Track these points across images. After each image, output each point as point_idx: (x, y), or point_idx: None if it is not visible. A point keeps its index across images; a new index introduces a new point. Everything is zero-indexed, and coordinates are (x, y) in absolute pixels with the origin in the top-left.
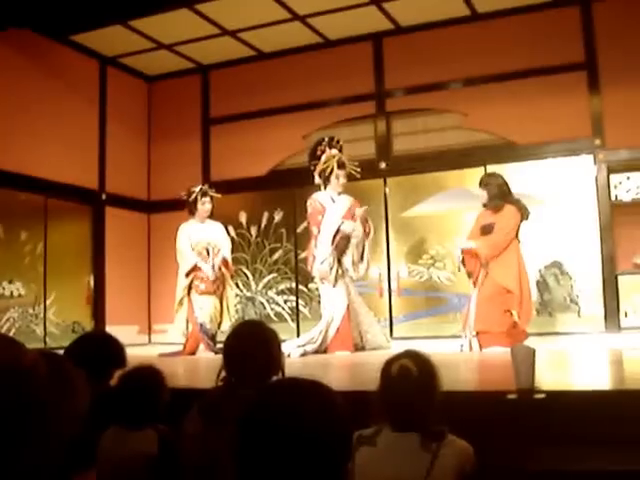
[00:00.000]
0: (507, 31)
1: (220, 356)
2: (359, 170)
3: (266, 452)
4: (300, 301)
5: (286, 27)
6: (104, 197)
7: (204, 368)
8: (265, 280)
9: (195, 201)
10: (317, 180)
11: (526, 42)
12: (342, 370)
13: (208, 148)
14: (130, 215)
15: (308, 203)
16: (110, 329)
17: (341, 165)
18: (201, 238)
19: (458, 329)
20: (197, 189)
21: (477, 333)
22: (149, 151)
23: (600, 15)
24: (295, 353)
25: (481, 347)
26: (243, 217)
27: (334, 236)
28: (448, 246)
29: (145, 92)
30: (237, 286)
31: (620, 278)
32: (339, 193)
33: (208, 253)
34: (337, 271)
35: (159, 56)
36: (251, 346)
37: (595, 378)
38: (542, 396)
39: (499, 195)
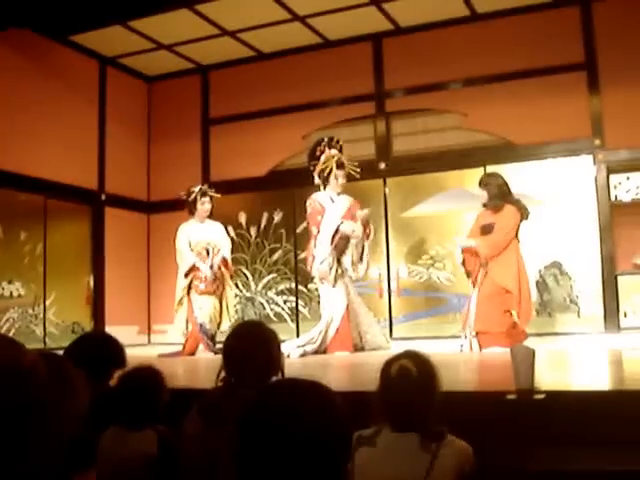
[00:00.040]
0: (507, 31)
1: (220, 356)
2: (359, 170)
3: (266, 452)
4: (300, 301)
5: (286, 27)
6: (104, 197)
7: (204, 368)
8: (265, 280)
9: (195, 201)
10: (317, 180)
11: (526, 42)
12: (342, 370)
13: (208, 148)
14: (130, 215)
15: (307, 203)
16: (110, 329)
17: (340, 165)
18: (201, 238)
19: (458, 329)
20: (197, 189)
21: (477, 333)
22: (149, 151)
23: (600, 15)
24: (295, 353)
25: (481, 347)
26: (243, 217)
27: (333, 236)
28: (448, 246)
29: (145, 92)
30: (237, 286)
31: (620, 278)
32: (338, 193)
33: (208, 253)
34: (336, 271)
35: (159, 56)
36: (251, 346)
37: (595, 378)
38: (542, 396)
39: (499, 195)
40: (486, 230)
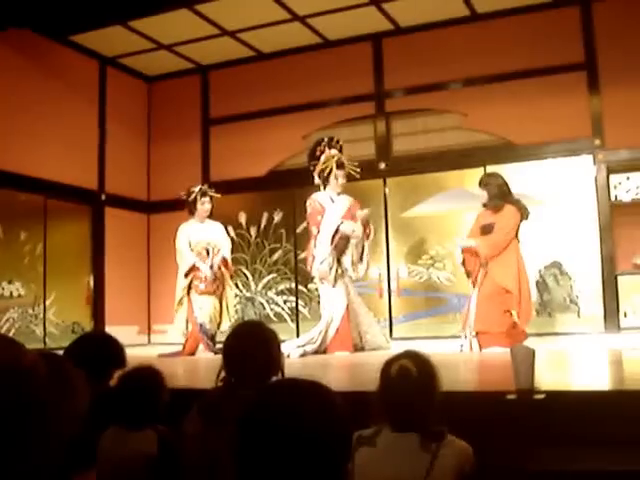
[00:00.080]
0: (507, 31)
1: (220, 356)
2: (358, 170)
3: (266, 452)
4: (300, 301)
5: (286, 27)
6: (104, 197)
7: (204, 368)
8: (265, 280)
9: (194, 201)
10: (316, 180)
11: (526, 42)
12: (342, 370)
13: (208, 148)
14: (130, 215)
15: (308, 203)
16: (110, 329)
17: (340, 165)
18: (201, 238)
19: (458, 329)
20: (196, 189)
21: (477, 333)
22: (149, 151)
23: (600, 15)
24: (295, 353)
25: (481, 347)
26: (243, 217)
27: (333, 236)
28: (448, 246)
29: (145, 92)
30: (237, 286)
31: (620, 278)
32: (338, 193)
33: (208, 253)
34: (336, 271)
35: (159, 56)
36: (251, 346)
37: (595, 378)
38: (542, 396)
39: (499, 195)
40: (486, 230)
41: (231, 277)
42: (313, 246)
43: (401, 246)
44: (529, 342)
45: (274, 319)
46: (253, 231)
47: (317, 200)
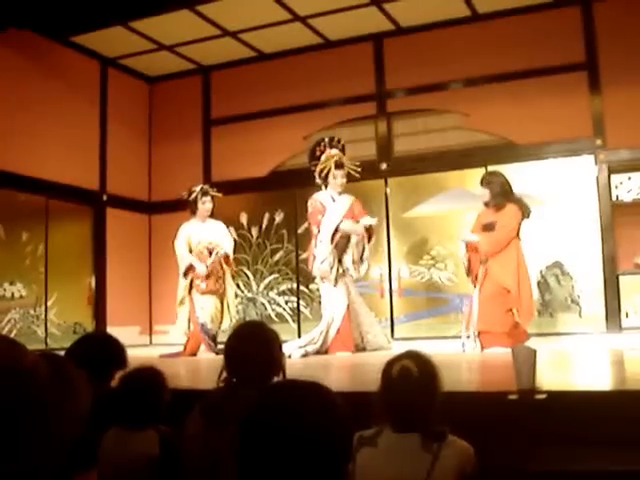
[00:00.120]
0: (508, 31)
1: (221, 357)
2: (359, 170)
3: (267, 453)
4: (301, 302)
5: (287, 28)
6: (105, 198)
7: (205, 369)
8: (266, 281)
9: (195, 200)
10: (317, 180)
11: (527, 42)
12: (343, 371)
13: (209, 149)
14: (131, 216)
15: (309, 203)
16: (111, 330)
17: (339, 165)
18: (202, 238)
19: (459, 330)
20: (198, 188)
21: (479, 333)
22: (150, 152)
23: (601, 15)
24: (296, 354)
25: (482, 347)
26: (244, 218)
27: (333, 235)
28: (449, 247)
29: (146, 93)
30: (238, 287)
31: (621, 278)
32: (340, 193)
33: (210, 253)
34: (337, 270)
35: (160, 57)
36: (252, 347)
37: (596, 378)
38: (543, 396)
39: (501, 193)
40: (488, 228)
41: (233, 277)
42: (314, 246)
43: (402, 246)
44: (530, 342)
45: (275, 319)
46: (254, 231)
47: (318, 200)
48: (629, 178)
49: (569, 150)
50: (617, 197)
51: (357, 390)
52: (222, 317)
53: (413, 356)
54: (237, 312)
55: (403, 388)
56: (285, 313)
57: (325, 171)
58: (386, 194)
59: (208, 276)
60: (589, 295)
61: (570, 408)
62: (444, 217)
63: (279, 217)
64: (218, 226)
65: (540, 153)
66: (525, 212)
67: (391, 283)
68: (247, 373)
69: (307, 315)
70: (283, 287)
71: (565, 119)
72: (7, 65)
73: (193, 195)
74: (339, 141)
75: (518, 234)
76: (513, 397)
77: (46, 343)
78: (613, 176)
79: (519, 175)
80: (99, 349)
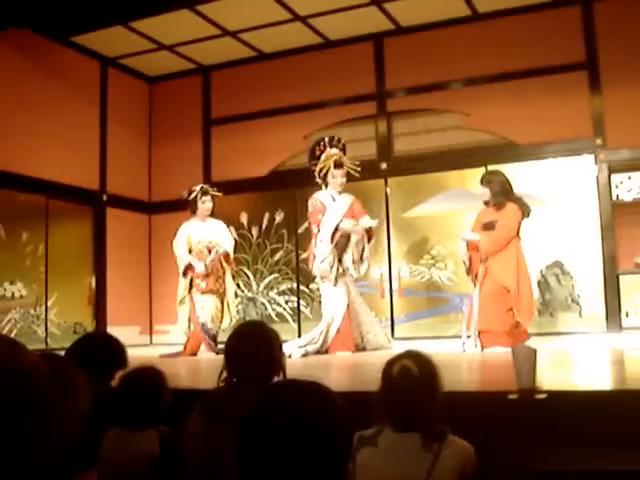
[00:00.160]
0: (508, 31)
1: (221, 357)
2: (358, 169)
3: (267, 452)
4: (301, 301)
5: (287, 28)
6: (105, 198)
7: (205, 369)
8: (266, 281)
9: (195, 200)
10: (317, 180)
11: (527, 42)
12: (343, 371)
13: (209, 149)
14: (131, 216)
15: (309, 202)
16: (111, 330)
17: (338, 165)
18: (202, 237)
19: (459, 329)
20: (198, 188)
21: (479, 333)
22: (150, 152)
23: (601, 14)
24: (296, 354)
25: (483, 347)
26: (244, 218)
27: (333, 234)
28: (449, 246)
29: (146, 93)
30: (238, 286)
31: (621, 278)
32: (340, 192)
33: (210, 252)
34: (337, 270)
35: (160, 57)
36: (252, 347)
37: (596, 378)
38: (543, 396)
39: (502, 192)
40: (488, 227)
41: (233, 276)
42: (314, 245)
43: (402, 246)
44: (531, 342)
45: (276, 319)
46: (255, 231)
47: (318, 199)
48: (629, 178)
49: (569, 150)
50: (617, 197)
51: (357, 390)
52: (222, 317)
53: (413, 356)
54: (237, 312)
55: (403, 388)
56: (285, 313)
57: (324, 170)
58: (386, 194)
59: (208, 275)
60: (589, 295)
61: (570, 408)
62: (444, 217)
63: (279, 217)
64: (218, 225)
65: (540, 153)
66: (525, 211)
67: (391, 283)
68: (247, 373)
69: (307, 315)
70: (283, 287)
71: (565, 119)
72: (7, 65)
73: (193, 195)
74: (339, 140)
75: (518, 233)
76: (513, 397)
77: (46, 343)
78: (613, 176)
79: (519, 175)
80: (99, 349)
